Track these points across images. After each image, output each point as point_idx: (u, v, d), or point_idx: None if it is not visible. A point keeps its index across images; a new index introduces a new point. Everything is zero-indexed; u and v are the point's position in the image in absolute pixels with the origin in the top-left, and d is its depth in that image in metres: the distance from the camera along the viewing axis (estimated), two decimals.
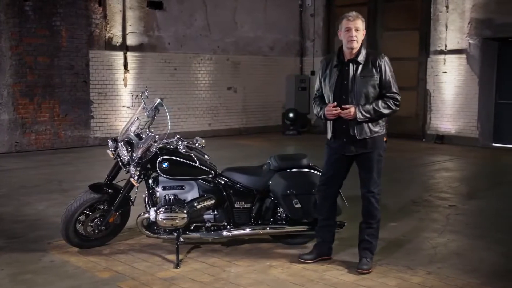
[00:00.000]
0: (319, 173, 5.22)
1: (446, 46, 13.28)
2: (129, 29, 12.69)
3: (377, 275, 4.65)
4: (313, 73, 15.76)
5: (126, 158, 5.06)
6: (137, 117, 5.25)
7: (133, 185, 5.09)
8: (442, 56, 13.37)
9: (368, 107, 4.59)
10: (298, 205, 5.08)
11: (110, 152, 5.23)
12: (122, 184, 5.24)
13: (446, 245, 5.53)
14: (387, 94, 4.67)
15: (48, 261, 4.95)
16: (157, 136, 5.11)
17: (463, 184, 8.85)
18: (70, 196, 6.52)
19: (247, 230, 5.20)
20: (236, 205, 5.22)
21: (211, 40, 14.23)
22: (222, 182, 5.25)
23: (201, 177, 5.18)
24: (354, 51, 4.67)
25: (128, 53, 12.69)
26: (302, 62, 16.26)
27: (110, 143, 5.22)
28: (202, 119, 14.26)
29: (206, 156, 5.28)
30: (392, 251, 5.27)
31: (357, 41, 4.62)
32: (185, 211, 4.93)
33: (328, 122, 4.82)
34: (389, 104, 4.64)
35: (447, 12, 13.21)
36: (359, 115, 4.57)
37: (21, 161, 10.28)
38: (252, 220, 5.26)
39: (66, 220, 5.04)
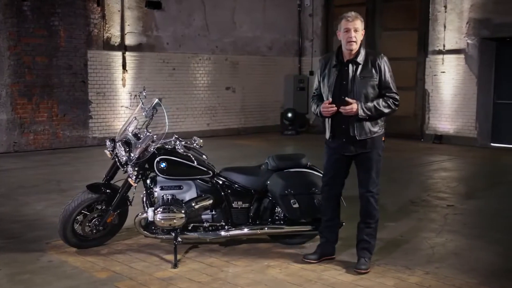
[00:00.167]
0: (318, 173, 5.24)
1: (444, 46, 13.29)
2: (127, 29, 12.68)
3: (375, 275, 4.66)
4: (311, 73, 15.76)
5: (124, 158, 5.06)
6: (135, 117, 5.24)
7: (131, 185, 5.09)
8: (440, 56, 13.38)
9: (370, 105, 4.60)
10: (296, 205, 5.08)
11: (108, 152, 5.23)
12: (120, 184, 5.23)
13: (444, 245, 5.53)
14: (387, 94, 4.68)
15: (46, 261, 4.95)
16: (155, 136, 5.11)
17: (461, 184, 8.85)
18: (68, 196, 6.51)
19: (245, 230, 5.20)
20: (234, 205, 5.22)
21: (210, 40, 14.23)
22: (220, 182, 5.25)
23: (199, 177, 5.18)
24: (354, 52, 4.67)
25: (127, 53, 12.69)
26: (301, 62, 16.26)
27: (108, 143, 5.22)
28: (200, 119, 14.26)
29: (204, 156, 5.29)
30: (390, 251, 5.27)
31: (356, 42, 4.62)
32: (183, 211, 4.92)
33: (327, 122, 4.82)
34: (389, 103, 4.66)
35: (445, 12, 13.22)
36: (360, 112, 4.56)
37: (20, 161, 10.27)
38: (250, 220, 5.26)
39: (64, 220, 5.03)
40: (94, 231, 5.19)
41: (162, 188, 5.08)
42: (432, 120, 13.69)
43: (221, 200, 5.21)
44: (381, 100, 4.65)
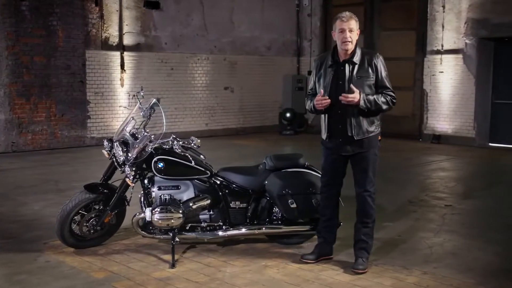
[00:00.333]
0: (315, 173, 5.24)
1: (442, 46, 13.30)
2: (125, 29, 12.68)
3: (373, 275, 4.66)
4: (310, 73, 15.71)
5: (122, 158, 5.05)
6: (133, 117, 5.24)
7: (129, 185, 5.09)
8: (438, 56, 13.39)
9: (371, 98, 4.59)
10: (294, 205, 5.08)
11: (105, 152, 5.23)
12: (117, 184, 5.23)
13: (442, 245, 5.53)
14: (384, 92, 4.68)
15: (43, 261, 4.94)
16: (152, 136, 5.10)
17: (459, 184, 8.85)
18: (66, 196, 6.51)
19: (243, 230, 5.20)
20: (231, 205, 5.22)
21: (208, 40, 14.23)
22: (218, 182, 5.25)
23: (196, 177, 5.18)
24: (349, 52, 4.67)
25: (125, 53, 12.68)
26: (299, 62, 16.27)
27: (105, 143, 5.22)
28: (199, 119, 14.26)
29: (201, 156, 5.28)
30: (388, 251, 5.27)
31: (351, 42, 4.62)
32: (180, 211, 4.92)
33: (323, 122, 4.81)
34: (387, 100, 4.67)
35: (443, 12, 13.23)
36: (362, 103, 4.55)
37: (18, 161, 10.26)
38: (247, 220, 5.26)
39: (62, 220, 5.03)
40: (92, 231, 5.18)
41: (159, 188, 5.08)
42: (430, 120, 13.70)
43: (219, 200, 5.20)
44: (380, 95, 4.65)
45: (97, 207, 5.18)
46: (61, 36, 11.70)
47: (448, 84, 13.29)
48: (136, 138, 5.08)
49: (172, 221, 4.89)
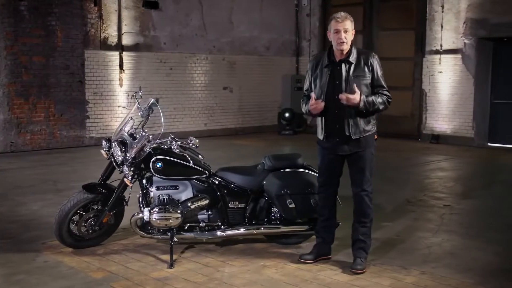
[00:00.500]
0: (314, 173, 5.24)
1: (441, 46, 13.30)
2: (124, 29, 12.67)
3: (371, 275, 4.66)
4: None
5: (120, 158, 5.05)
6: (131, 117, 5.24)
7: (127, 185, 5.08)
8: (437, 56, 13.39)
9: (370, 99, 4.61)
10: (292, 205, 5.08)
11: (103, 152, 5.22)
12: (116, 184, 5.23)
13: (441, 245, 5.53)
14: (380, 92, 4.70)
15: (41, 262, 4.94)
16: (151, 136, 5.10)
17: (458, 183, 8.85)
18: (65, 196, 6.50)
19: (241, 230, 5.20)
20: (230, 205, 5.22)
21: (207, 40, 14.22)
22: (216, 182, 5.25)
23: (195, 177, 5.17)
24: (345, 52, 4.67)
25: (124, 53, 12.67)
26: (298, 62, 16.26)
27: (103, 143, 5.21)
28: (198, 119, 14.25)
29: (200, 156, 5.28)
30: (387, 251, 5.27)
31: (346, 42, 4.63)
32: (179, 211, 4.92)
33: (320, 122, 4.82)
34: (383, 100, 4.69)
35: (442, 12, 13.23)
36: (361, 104, 4.56)
37: (16, 161, 10.25)
38: (246, 220, 5.26)
39: (60, 220, 5.03)
40: (90, 231, 5.18)
41: (158, 188, 5.08)
42: (429, 120, 13.70)
43: (217, 200, 5.20)
44: (378, 96, 4.67)
45: (95, 207, 5.18)
46: (60, 36, 11.69)
47: (447, 84, 13.29)
48: (134, 138, 5.07)
49: (171, 221, 4.89)
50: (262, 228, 5.26)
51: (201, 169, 5.17)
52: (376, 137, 4.83)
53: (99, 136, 12.12)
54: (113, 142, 5.11)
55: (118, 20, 12.55)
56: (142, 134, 5.03)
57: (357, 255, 4.78)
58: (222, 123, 14.77)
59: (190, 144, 5.11)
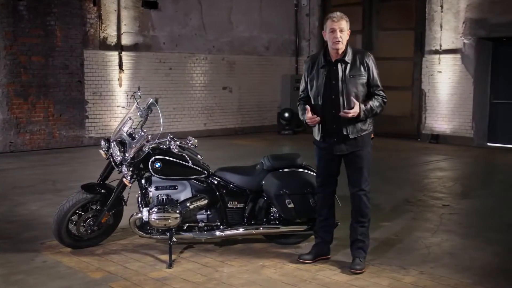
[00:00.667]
0: (313, 173, 5.23)
1: (441, 46, 13.30)
2: (124, 28, 12.67)
3: (370, 275, 4.65)
4: None
5: (119, 158, 5.05)
6: (130, 116, 5.24)
7: (126, 185, 5.08)
8: (437, 56, 13.39)
9: (368, 106, 4.62)
10: (291, 205, 5.07)
11: (102, 152, 5.23)
12: (115, 184, 5.22)
13: (440, 245, 5.53)
14: (376, 92, 4.71)
15: (40, 262, 4.94)
16: (149, 136, 5.10)
17: (457, 183, 8.85)
18: (63, 196, 6.50)
19: (240, 230, 5.20)
20: (229, 205, 5.21)
21: (206, 40, 14.22)
22: (215, 182, 5.25)
23: (194, 177, 5.17)
24: (340, 51, 4.68)
25: (123, 53, 12.67)
26: (298, 62, 16.26)
27: (102, 143, 5.21)
28: (197, 119, 14.25)
29: (199, 156, 5.28)
30: (385, 251, 5.27)
31: (342, 42, 4.64)
32: (177, 211, 4.92)
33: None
34: (380, 102, 4.72)
35: (441, 12, 13.23)
36: (362, 115, 4.59)
37: (16, 161, 10.25)
38: (245, 220, 5.26)
39: (59, 220, 5.02)
40: (89, 231, 5.17)
41: (157, 188, 5.08)
42: (428, 120, 13.70)
43: (216, 200, 5.20)
44: (375, 101, 4.68)
45: (94, 207, 5.18)
46: (59, 36, 11.69)
47: (446, 84, 13.29)
48: (133, 138, 5.07)
49: (169, 221, 4.89)
50: (261, 228, 5.25)
51: (200, 169, 5.17)
52: (372, 136, 4.84)
53: (98, 136, 12.12)
54: (112, 142, 5.11)
55: (118, 20, 12.55)
56: (141, 134, 5.03)
57: (356, 255, 4.78)
58: (221, 123, 14.77)
59: (189, 144, 5.11)
